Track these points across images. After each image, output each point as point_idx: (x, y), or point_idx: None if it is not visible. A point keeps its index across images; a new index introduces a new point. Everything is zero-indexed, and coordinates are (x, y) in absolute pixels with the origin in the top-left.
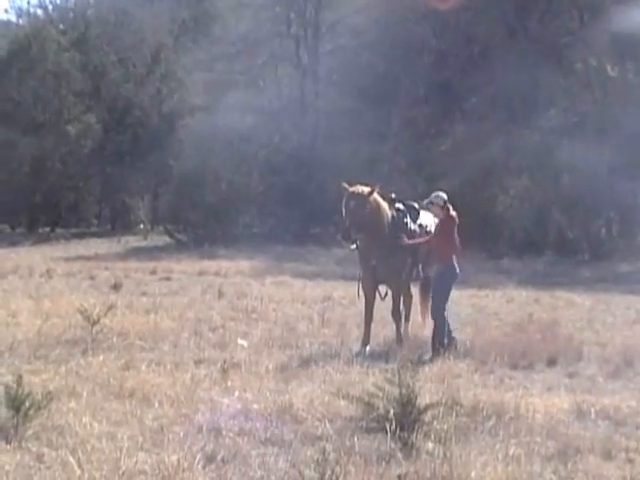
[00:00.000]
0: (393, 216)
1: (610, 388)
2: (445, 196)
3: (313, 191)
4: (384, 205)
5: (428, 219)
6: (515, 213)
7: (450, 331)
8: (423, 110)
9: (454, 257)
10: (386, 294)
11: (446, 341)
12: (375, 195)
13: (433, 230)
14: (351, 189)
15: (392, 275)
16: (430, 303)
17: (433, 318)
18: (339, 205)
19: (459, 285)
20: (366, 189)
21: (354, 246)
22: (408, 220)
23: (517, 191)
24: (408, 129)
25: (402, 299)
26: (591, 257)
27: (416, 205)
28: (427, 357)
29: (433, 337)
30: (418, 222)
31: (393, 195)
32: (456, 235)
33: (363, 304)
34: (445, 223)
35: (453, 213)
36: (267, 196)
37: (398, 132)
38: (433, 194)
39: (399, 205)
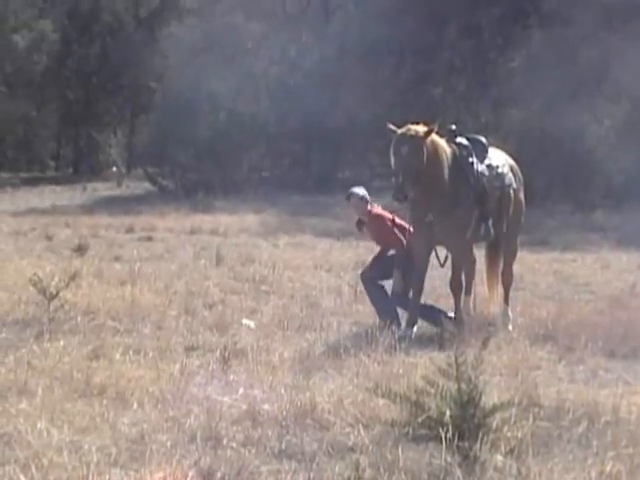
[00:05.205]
0: (454, 154)
1: None
2: (363, 192)
3: (341, 122)
4: (442, 144)
5: (499, 158)
6: (612, 149)
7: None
8: (489, 12)
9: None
10: (445, 259)
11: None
12: (433, 136)
13: (505, 172)
14: (401, 131)
15: (454, 234)
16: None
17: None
18: (376, 141)
19: (536, 247)
20: (421, 129)
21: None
22: (474, 159)
23: (614, 120)
24: (468, 38)
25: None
26: None
27: (483, 140)
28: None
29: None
30: (486, 162)
31: (453, 127)
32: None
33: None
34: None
35: (378, 210)
36: (280, 128)
37: (455, 42)
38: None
39: (461, 140)
